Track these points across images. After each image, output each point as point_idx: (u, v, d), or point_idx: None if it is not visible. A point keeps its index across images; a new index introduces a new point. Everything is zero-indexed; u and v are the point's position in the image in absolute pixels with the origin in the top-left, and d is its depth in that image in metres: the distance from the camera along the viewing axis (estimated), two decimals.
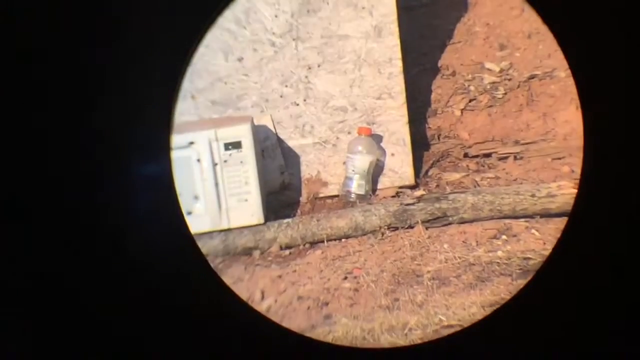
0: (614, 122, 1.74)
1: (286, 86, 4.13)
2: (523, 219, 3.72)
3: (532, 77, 4.73)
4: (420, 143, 4.50)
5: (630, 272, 1.73)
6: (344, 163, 4.21)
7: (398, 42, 4.17)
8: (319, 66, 4.13)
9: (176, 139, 3.58)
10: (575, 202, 1.93)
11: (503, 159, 4.49)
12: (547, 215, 3.70)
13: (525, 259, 3.28)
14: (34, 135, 1.65)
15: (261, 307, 3.10)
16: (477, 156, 4.52)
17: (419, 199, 3.81)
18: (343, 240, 3.76)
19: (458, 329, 2.59)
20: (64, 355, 1.74)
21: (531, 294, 1.91)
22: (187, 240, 2.12)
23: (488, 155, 4.52)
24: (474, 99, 4.67)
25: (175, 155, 3.43)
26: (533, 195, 3.72)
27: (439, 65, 4.92)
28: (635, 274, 1.72)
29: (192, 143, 3.66)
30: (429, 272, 3.26)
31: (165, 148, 1.93)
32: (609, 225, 1.75)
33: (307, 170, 4.24)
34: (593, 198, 1.79)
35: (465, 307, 2.85)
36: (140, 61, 1.76)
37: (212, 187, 3.68)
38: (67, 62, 1.67)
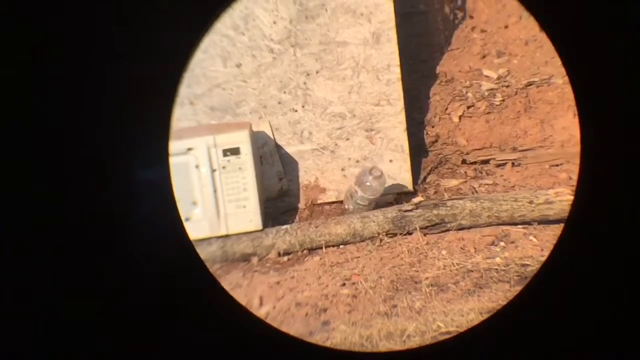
0: (611, 129, 1.75)
1: (284, 92, 4.14)
2: (521, 226, 3.73)
3: (529, 84, 4.74)
4: (418, 149, 4.51)
5: (626, 278, 1.74)
6: (342, 169, 4.22)
7: (396, 48, 4.18)
8: (317, 72, 4.14)
9: (174, 145, 3.58)
10: (571, 208, 1.94)
11: (501, 165, 4.50)
12: (545, 221, 3.71)
13: (523, 265, 3.28)
14: (34, 142, 1.65)
15: (259, 313, 3.09)
16: (475, 163, 4.53)
17: (417, 205, 3.82)
18: (341, 246, 3.76)
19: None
20: (63, 357, 1.74)
21: (528, 300, 1.91)
22: (186, 246, 2.13)
23: (486, 162, 4.53)
24: (472, 106, 4.68)
25: (173, 161, 3.44)
26: (531, 202, 3.73)
27: (437, 72, 4.93)
28: (631, 279, 1.73)
29: (190, 149, 3.66)
30: (427, 278, 3.26)
31: (164, 154, 1.94)
32: (605, 232, 1.76)
33: (305, 176, 4.24)
34: (589, 205, 1.79)
35: (464, 313, 2.85)
36: (137, 67, 1.76)
37: (210, 193, 3.68)
38: (66, 69, 1.67)
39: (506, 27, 5.07)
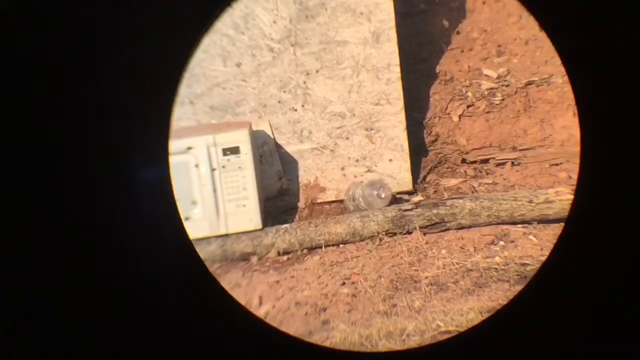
0: (611, 129, 1.75)
1: (284, 92, 4.14)
2: (521, 225, 3.73)
3: (529, 83, 4.74)
4: (418, 149, 4.51)
5: (626, 277, 1.74)
6: (342, 169, 4.22)
7: (396, 48, 4.19)
8: (317, 72, 4.14)
9: (174, 144, 3.58)
10: (571, 208, 1.93)
11: (501, 164, 4.50)
12: (544, 221, 3.71)
13: (522, 264, 3.29)
14: (34, 141, 1.65)
15: (259, 312, 3.09)
16: (474, 162, 4.53)
17: (417, 204, 3.82)
18: (341, 245, 3.76)
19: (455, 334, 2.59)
20: (63, 356, 1.74)
21: (527, 300, 1.91)
22: (185, 245, 2.12)
23: (486, 161, 4.53)
24: (472, 105, 4.68)
25: (173, 160, 3.43)
26: (531, 201, 3.73)
27: (437, 71, 4.92)
28: (631, 278, 1.73)
29: (190, 148, 3.66)
30: (426, 277, 3.26)
31: (164, 153, 1.93)
32: (605, 231, 1.76)
33: (305, 175, 4.24)
34: (589, 204, 1.79)
35: (463, 312, 2.85)
36: (137, 66, 1.76)
37: (210, 192, 3.68)
38: (65, 69, 1.67)
39: (504, 44, 5.07)
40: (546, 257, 2.54)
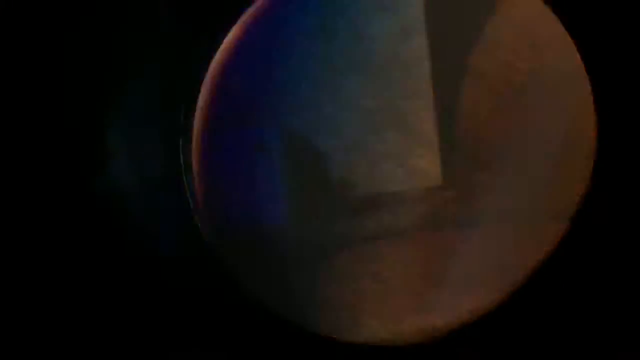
0: (611, 129, 1.74)
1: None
2: None
3: None
4: (448, 144, 4.48)
5: (626, 277, 1.73)
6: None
7: (427, 42, 4.16)
8: (346, 66, 4.14)
9: None
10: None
11: None
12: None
13: None
14: (34, 142, 1.69)
15: None
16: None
17: (445, 199, 3.79)
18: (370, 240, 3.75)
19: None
20: (68, 355, 1.76)
21: (526, 299, 1.91)
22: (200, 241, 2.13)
23: None
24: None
25: None
26: None
27: (469, 65, 4.87)
28: (632, 279, 1.72)
29: None
30: (447, 273, 3.25)
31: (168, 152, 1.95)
32: (605, 231, 1.75)
33: None
34: (589, 204, 1.78)
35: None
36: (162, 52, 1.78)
37: None
38: (66, 65, 1.70)
39: None
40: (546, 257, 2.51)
